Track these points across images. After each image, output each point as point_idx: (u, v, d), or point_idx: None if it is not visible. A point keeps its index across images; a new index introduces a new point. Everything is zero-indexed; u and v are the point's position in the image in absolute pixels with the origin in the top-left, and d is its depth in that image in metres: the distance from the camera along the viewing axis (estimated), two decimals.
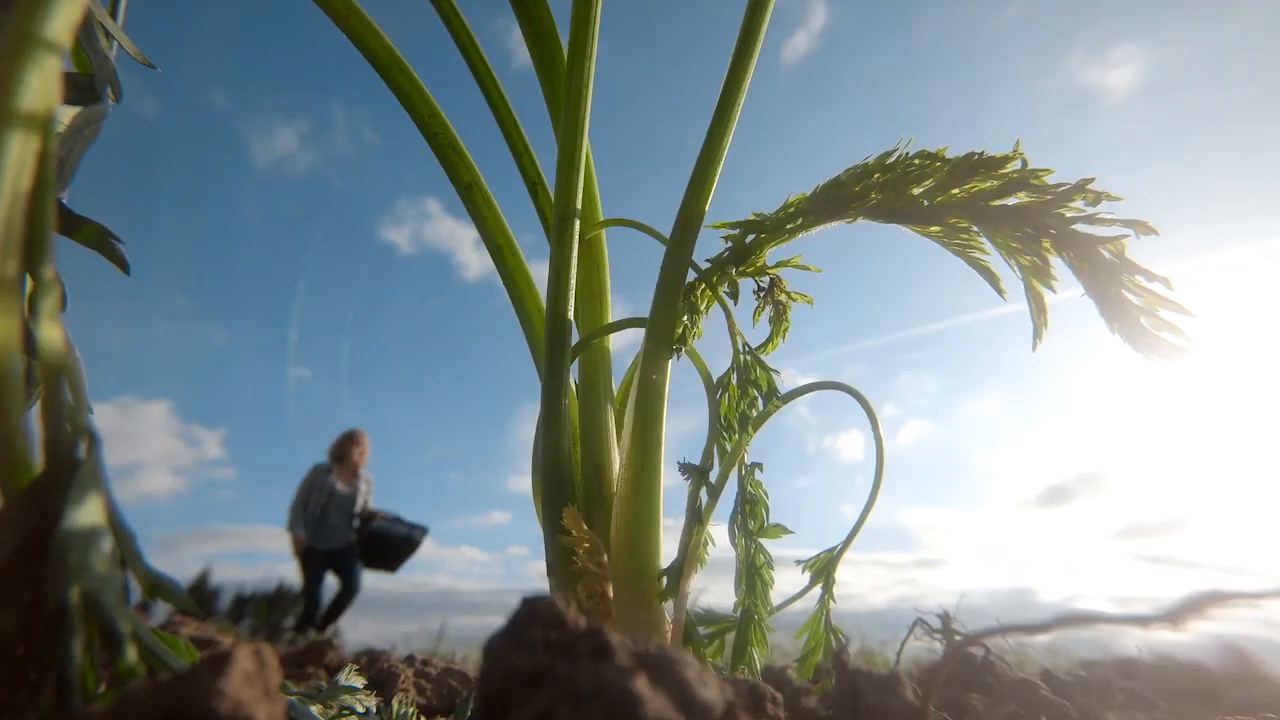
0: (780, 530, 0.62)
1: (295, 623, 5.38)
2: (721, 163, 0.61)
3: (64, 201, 0.51)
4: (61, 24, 0.31)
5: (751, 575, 0.61)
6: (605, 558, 0.55)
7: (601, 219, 0.70)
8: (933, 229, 0.57)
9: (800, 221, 0.59)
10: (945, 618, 0.43)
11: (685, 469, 0.58)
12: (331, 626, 5.49)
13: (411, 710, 0.70)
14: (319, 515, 5.47)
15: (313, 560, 5.46)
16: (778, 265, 0.63)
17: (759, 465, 0.62)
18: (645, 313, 0.63)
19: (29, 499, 0.28)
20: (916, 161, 0.55)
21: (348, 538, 5.57)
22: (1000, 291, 0.58)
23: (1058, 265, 0.52)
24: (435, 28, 0.71)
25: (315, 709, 0.60)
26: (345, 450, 5.75)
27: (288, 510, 5.51)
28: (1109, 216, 0.49)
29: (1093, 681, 0.64)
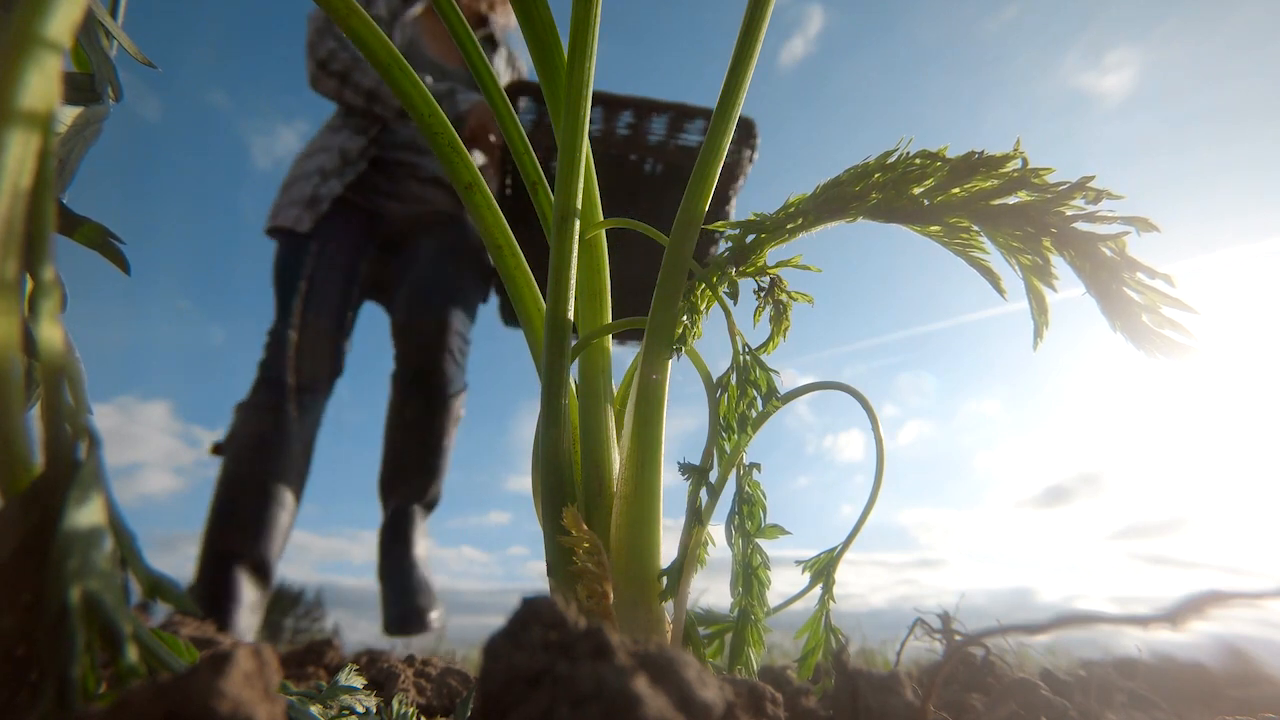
0: (777, 530, 0.62)
1: (239, 405, 2.19)
2: (722, 162, 0.61)
3: (64, 201, 0.51)
4: (62, 24, 0.31)
5: (748, 576, 0.61)
6: (605, 557, 0.55)
7: (601, 219, 0.70)
8: (933, 228, 0.57)
9: (800, 221, 0.59)
10: (945, 618, 0.43)
11: (685, 469, 0.58)
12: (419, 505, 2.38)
13: (411, 710, 0.70)
14: (362, 123, 2.11)
15: (327, 234, 2.09)
16: (778, 265, 0.63)
17: (757, 465, 0.62)
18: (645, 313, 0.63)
19: (29, 499, 0.28)
20: (917, 161, 0.55)
21: (438, 197, 2.22)
22: (1001, 291, 0.58)
23: (1058, 264, 0.52)
24: None
25: (315, 709, 0.60)
26: None
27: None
28: (1110, 214, 0.49)
29: (1093, 681, 0.64)
